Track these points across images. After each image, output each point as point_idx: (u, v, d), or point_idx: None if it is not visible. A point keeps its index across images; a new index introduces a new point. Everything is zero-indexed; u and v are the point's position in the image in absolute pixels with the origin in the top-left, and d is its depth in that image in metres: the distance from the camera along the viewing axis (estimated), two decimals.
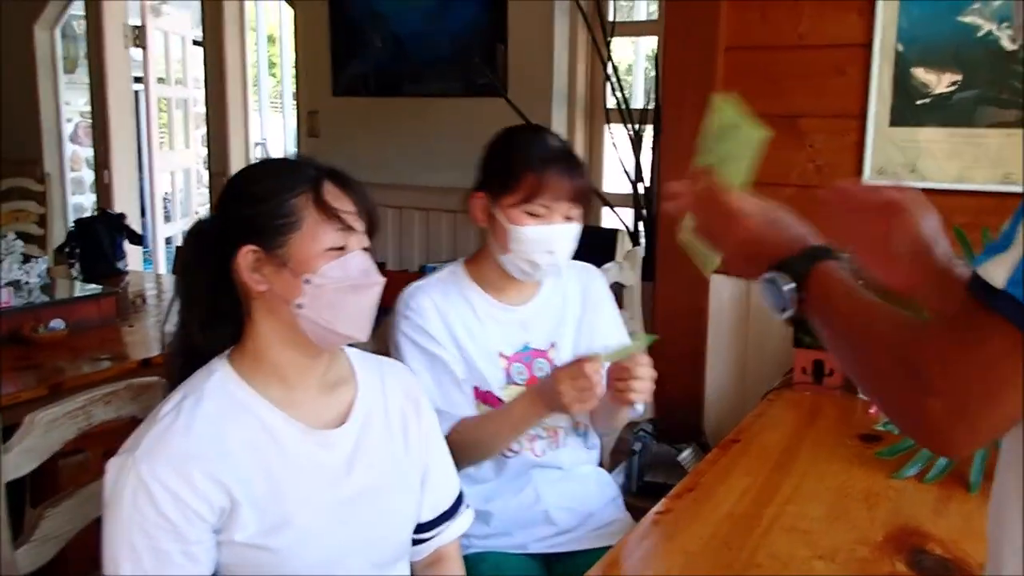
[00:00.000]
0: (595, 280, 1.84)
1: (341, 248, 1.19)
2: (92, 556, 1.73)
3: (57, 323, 2.42)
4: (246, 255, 1.17)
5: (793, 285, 0.88)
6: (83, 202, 5.95)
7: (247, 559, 1.15)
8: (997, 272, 0.66)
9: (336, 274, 1.17)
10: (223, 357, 1.22)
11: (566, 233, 1.62)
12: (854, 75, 2.26)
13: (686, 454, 2.20)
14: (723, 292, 2.52)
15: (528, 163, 1.59)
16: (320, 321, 1.18)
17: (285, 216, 1.17)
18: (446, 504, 1.40)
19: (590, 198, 1.67)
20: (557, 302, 1.76)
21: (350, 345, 1.35)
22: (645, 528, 1.45)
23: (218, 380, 1.19)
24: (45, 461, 1.76)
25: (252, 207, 1.19)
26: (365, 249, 1.23)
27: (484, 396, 1.67)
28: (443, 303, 1.66)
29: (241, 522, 1.13)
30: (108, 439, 1.91)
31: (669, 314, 2.57)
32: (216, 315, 1.23)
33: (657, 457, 2.26)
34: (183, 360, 1.24)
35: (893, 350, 0.75)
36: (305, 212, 1.17)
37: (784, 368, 2.29)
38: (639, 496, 2.12)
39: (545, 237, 1.60)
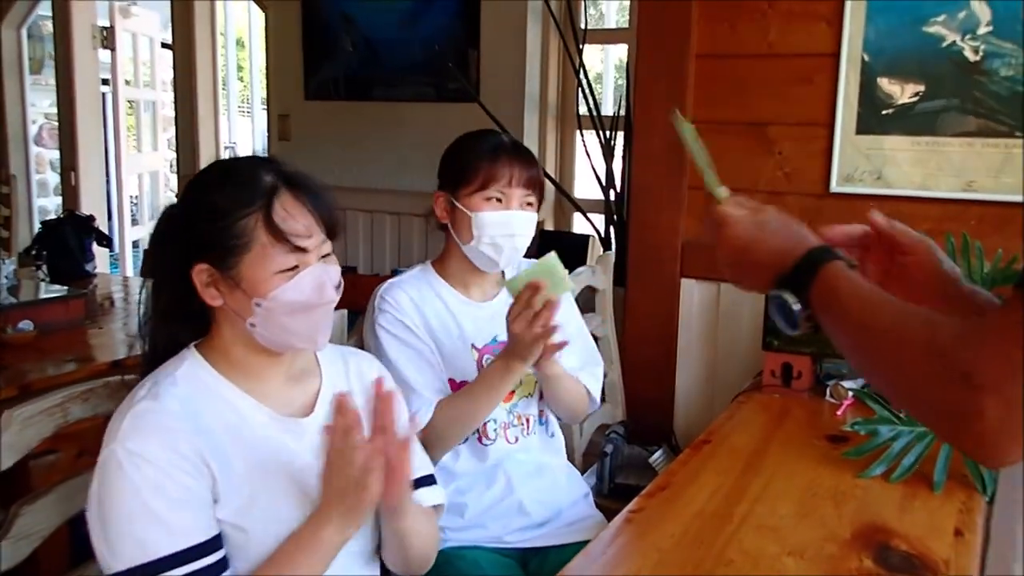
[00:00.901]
0: None
1: (294, 268, 1.19)
2: (63, 555, 1.72)
3: (25, 324, 2.40)
4: (200, 273, 1.20)
5: (800, 307, 0.85)
6: (47, 205, 5.88)
7: (228, 540, 1.16)
8: None
9: (287, 297, 1.18)
10: (191, 347, 1.25)
11: (524, 219, 1.71)
12: (822, 84, 2.31)
13: (657, 455, 2.23)
14: (693, 296, 2.56)
15: (480, 154, 1.70)
16: (274, 338, 1.21)
17: (236, 237, 1.17)
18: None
19: (543, 189, 1.77)
20: None
21: None
22: (618, 526, 1.46)
23: (188, 367, 1.22)
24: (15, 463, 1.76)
25: (204, 225, 1.19)
26: (325, 256, 1.23)
27: (459, 387, 1.71)
28: (418, 297, 1.73)
29: (221, 499, 1.15)
30: (81, 439, 1.89)
31: (640, 318, 2.60)
32: (181, 309, 1.24)
33: (628, 459, 2.28)
34: (153, 330, 1.27)
35: (933, 350, 0.71)
36: (256, 233, 1.17)
37: (753, 371, 2.33)
38: (611, 498, 2.14)
39: (505, 220, 1.69)
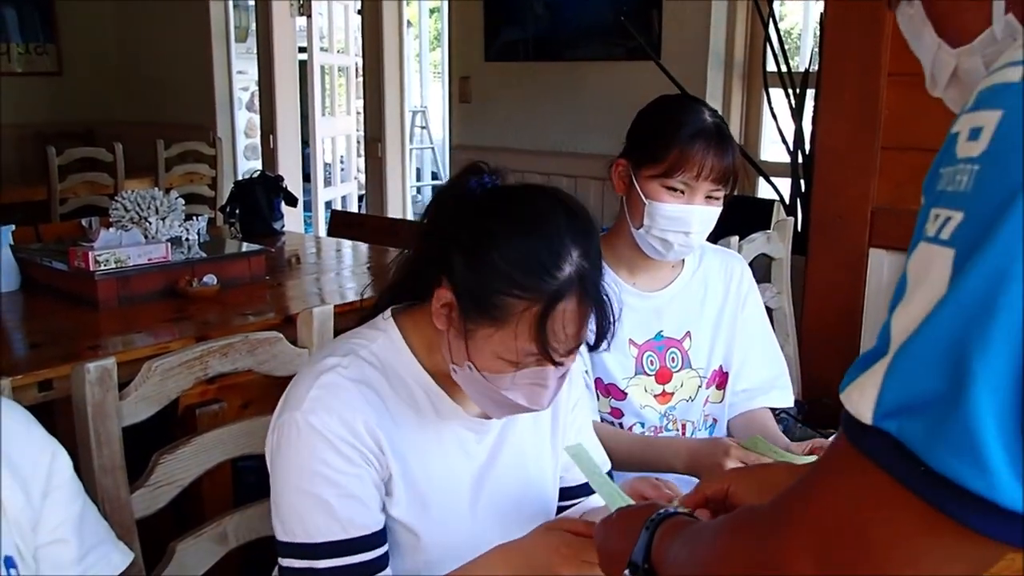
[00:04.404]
0: (741, 270, 1.73)
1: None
2: (226, 496, 1.80)
3: (210, 279, 2.52)
4: (443, 294, 1.07)
5: None
6: (259, 167, 6.20)
7: (395, 538, 1.12)
8: (861, 401, 0.52)
9: (500, 388, 1.06)
10: (391, 316, 1.15)
11: (705, 215, 1.53)
12: None
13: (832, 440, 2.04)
14: (883, 268, 2.33)
15: (675, 135, 1.50)
16: (466, 390, 1.11)
17: (498, 308, 1.02)
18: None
19: (736, 179, 1.56)
20: (696, 289, 1.67)
21: None
22: None
23: (386, 342, 1.13)
24: (183, 410, 1.85)
25: (473, 266, 1.04)
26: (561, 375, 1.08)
27: (607, 389, 1.60)
28: None
29: (395, 495, 1.10)
30: (247, 391, 1.98)
31: (822, 290, 2.40)
32: (413, 278, 1.17)
33: (799, 442, 2.11)
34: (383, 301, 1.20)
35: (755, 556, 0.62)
36: (519, 320, 1.01)
37: None
38: None
39: (682, 216, 1.51)
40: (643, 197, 1.52)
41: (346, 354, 1.11)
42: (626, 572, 0.82)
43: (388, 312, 1.16)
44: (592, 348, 1.10)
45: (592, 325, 1.09)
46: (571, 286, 1.02)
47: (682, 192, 1.51)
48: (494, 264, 1.02)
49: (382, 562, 1.09)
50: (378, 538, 1.08)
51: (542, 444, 1.26)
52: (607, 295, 1.08)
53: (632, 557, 0.82)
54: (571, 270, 1.02)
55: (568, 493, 1.31)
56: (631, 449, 1.51)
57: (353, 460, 1.05)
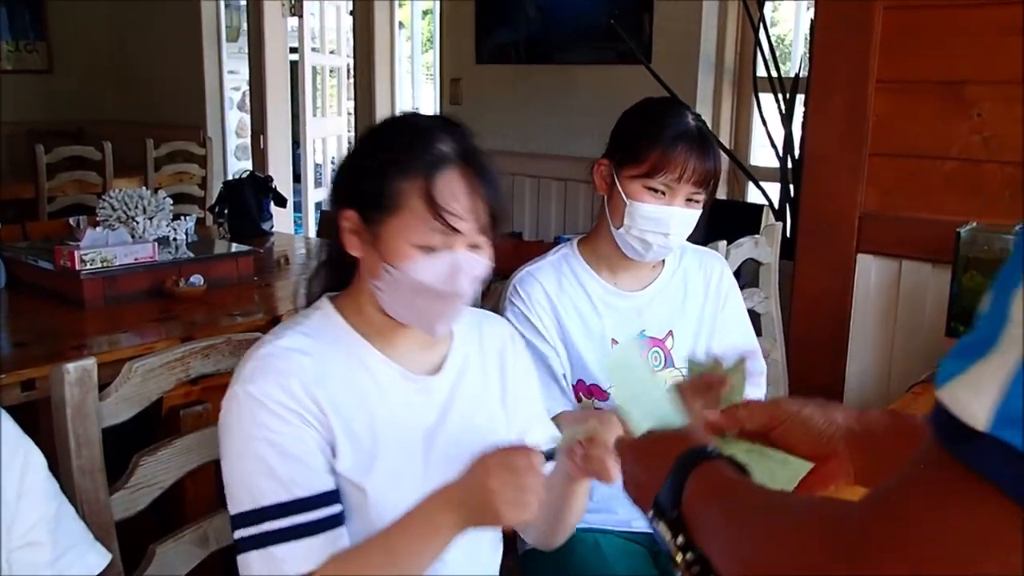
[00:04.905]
0: (720, 268, 1.74)
1: (435, 246, 1.11)
2: (210, 496, 1.79)
3: (196, 279, 2.51)
4: (346, 219, 1.16)
5: (670, 536, 0.72)
6: (249, 167, 6.17)
7: (346, 501, 1.13)
8: (973, 401, 0.41)
9: (416, 274, 1.11)
10: (326, 298, 1.22)
11: (685, 217, 1.55)
12: None
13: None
14: (870, 273, 2.33)
15: (657, 137, 1.52)
16: (394, 307, 1.16)
17: (387, 196, 1.11)
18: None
19: (717, 183, 1.58)
20: (676, 288, 1.68)
21: None
22: None
23: (321, 317, 1.19)
24: (167, 411, 1.84)
25: (363, 175, 1.15)
26: (474, 247, 1.14)
27: (589, 390, 1.61)
28: (555, 290, 1.61)
29: (339, 453, 1.12)
30: None
31: (810, 295, 2.40)
32: (337, 258, 1.22)
33: None
34: (311, 279, 1.28)
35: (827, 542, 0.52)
36: (409, 199, 1.10)
37: (934, 360, 2.09)
38: None
39: (662, 217, 1.53)
40: (624, 197, 1.54)
41: (283, 329, 1.17)
42: (650, 513, 0.75)
43: (324, 297, 1.22)
44: (491, 229, 1.15)
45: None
46: (449, 159, 1.12)
47: (663, 193, 1.53)
48: (377, 163, 1.13)
49: (334, 521, 1.09)
50: (325, 499, 1.09)
51: (493, 409, 1.28)
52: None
53: (659, 497, 0.74)
54: (445, 147, 1.12)
55: None
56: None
57: (290, 422, 1.08)
